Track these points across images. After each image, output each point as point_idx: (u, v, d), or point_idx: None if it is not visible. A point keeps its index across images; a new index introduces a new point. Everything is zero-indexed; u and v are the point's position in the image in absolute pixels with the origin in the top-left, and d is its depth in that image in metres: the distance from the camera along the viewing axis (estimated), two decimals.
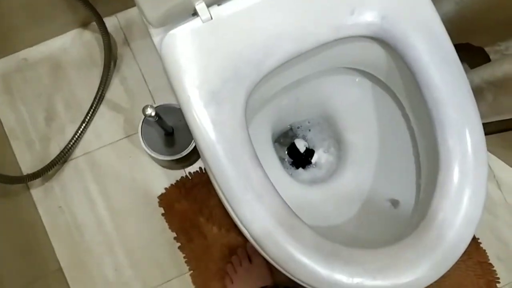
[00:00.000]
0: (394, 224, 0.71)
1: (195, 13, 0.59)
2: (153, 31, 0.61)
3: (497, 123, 0.94)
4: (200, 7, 0.58)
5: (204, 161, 0.60)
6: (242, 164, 0.58)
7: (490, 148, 1.02)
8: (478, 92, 0.77)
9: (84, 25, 0.98)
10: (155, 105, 0.84)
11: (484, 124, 0.98)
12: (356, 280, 0.56)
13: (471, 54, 0.90)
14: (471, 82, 0.79)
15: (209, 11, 0.58)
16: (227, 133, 0.58)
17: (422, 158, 0.69)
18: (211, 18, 0.58)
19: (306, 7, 0.60)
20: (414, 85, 0.63)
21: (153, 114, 0.60)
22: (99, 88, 0.96)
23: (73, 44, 0.99)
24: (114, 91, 0.99)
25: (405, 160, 0.73)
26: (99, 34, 0.93)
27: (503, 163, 1.03)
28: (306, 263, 0.56)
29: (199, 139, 0.58)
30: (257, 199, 0.57)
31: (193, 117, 0.58)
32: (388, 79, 0.71)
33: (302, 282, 0.57)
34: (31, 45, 0.97)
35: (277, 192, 0.59)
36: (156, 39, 0.61)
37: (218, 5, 0.59)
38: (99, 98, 0.96)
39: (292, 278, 0.58)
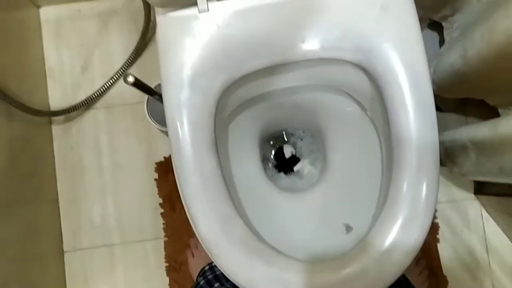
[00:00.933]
0: (341, 249, 0.73)
1: (196, 3, 0.64)
2: (157, 9, 0.67)
3: (501, 186, 0.91)
4: None
5: (169, 135, 0.65)
6: (198, 147, 0.63)
7: (490, 210, 0.99)
8: (463, 149, 0.76)
9: None
10: None
11: (486, 184, 0.96)
12: (267, 283, 0.59)
13: (489, 112, 0.88)
14: (459, 138, 0.78)
15: (207, 3, 0.63)
16: (193, 117, 0.63)
17: (381, 196, 0.70)
18: (208, 10, 0.63)
19: (300, 21, 0.63)
20: (387, 120, 0.64)
21: (132, 82, 0.66)
22: (132, 52, 1.05)
23: (123, 8, 1.08)
24: (146, 58, 1.08)
25: (371, 190, 0.73)
26: None
27: (498, 228, 0.99)
28: (228, 253, 0.60)
29: (168, 116, 0.63)
30: (202, 183, 0.62)
31: (167, 95, 0.63)
32: (370, 108, 0.72)
33: (222, 270, 0.62)
34: (87, 0, 1.08)
35: (224, 183, 0.63)
36: (158, 18, 0.67)
37: (218, 0, 0.64)
38: (130, 60, 1.05)
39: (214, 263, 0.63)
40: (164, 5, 0.64)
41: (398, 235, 0.60)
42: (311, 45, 0.63)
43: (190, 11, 0.64)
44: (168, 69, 0.64)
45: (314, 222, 0.78)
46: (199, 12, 0.63)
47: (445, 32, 0.91)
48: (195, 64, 0.63)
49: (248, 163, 0.83)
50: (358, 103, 0.75)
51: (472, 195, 1.01)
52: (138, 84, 0.68)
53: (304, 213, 0.80)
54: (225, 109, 0.72)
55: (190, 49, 0.63)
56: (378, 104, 0.68)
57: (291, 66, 0.66)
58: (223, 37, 0.63)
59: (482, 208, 1.00)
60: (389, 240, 0.59)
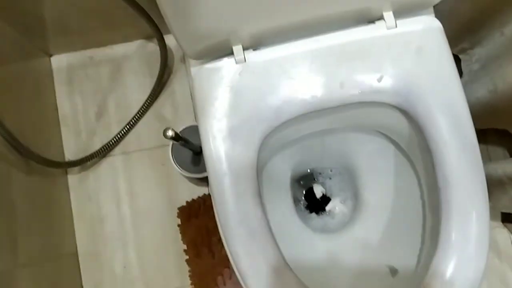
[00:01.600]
0: None
1: (231, 53, 0.63)
2: (191, 61, 0.66)
3: None
4: (237, 48, 0.63)
5: (210, 189, 0.64)
6: (243, 200, 0.61)
7: None
8: (500, 185, 0.76)
9: (149, 37, 1.07)
10: (187, 125, 0.90)
11: None
12: None
13: (507, 141, 0.88)
14: (494, 173, 0.78)
15: (244, 53, 0.63)
16: (236, 168, 0.62)
17: (427, 235, 0.69)
18: (245, 61, 0.63)
19: (336, 67, 0.63)
20: (430, 161, 0.63)
21: (172, 135, 0.65)
22: (148, 97, 1.04)
23: (136, 53, 1.07)
24: (162, 102, 1.06)
25: (413, 230, 0.72)
26: None
27: None
28: None
29: (210, 168, 0.62)
30: (250, 236, 0.60)
31: (209, 146, 0.62)
32: (408, 148, 0.71)
33: None
34: (99, 46, 1.07)
35: (272, 233, 0.61)
36: (192, 69, 0.66)
37: (254, 49, 0.64)
38: (146, 105, 1.04)
39: None
40: (200, 57, 0.64)
41: (455, 278, 0.58)
42: (349, 90, 0.63)
43: (227, 62, 0.63)
44: (206, 121, 0.62)
45: (355, 266, 0.77)
46: (236, 62, 0.63)
47: (463, 65, 0.92)
48: (234, 115, 0.62)
49: (281, 207, 0.82)
50: (394, 143, 0.75)
51: (500, 223, 1.00)
52: (176, 137, 0.67)
53: (343, 256, 0.79)
54: (261, 156, 0.70)
55: (228, 100, 0.62)
56: (417, 144, 0.67)
57: (328, 110, 0.65)
58: (261, 86, 0.63)
59: (511, 236, 0.99)
60: (446, 284, 0.58)
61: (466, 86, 0.86)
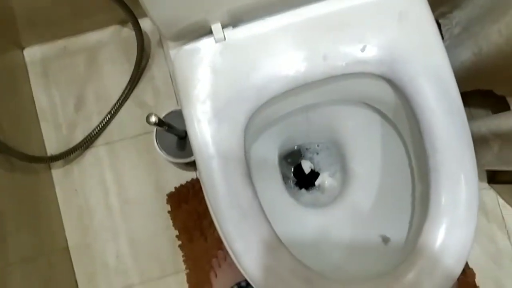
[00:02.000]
0: (381, 261, 0.72)
1: (210, 32, 0.62)
2: (169, 44, 0.64)
3: None
4: (215, 27, 0.61)
5: (199, 173, 0.63)
6: (232, 181, 0.60)
7: (506, 197, 1.00)
8: (483, 141, 0.76)
9: (123, 22, 1.04)
10: (170, 110, 0.89)
11: (498, 172, 0.97)
12: None
13: (494, 101, 0.89)
14: (478, 131, 0.78)
15: (223, 32, 0.61)
16: (223, 150, 0.61)
17: (417, 201, 0.69)
18: (224, 39, 0.61)
19: (319, 39, 0.62)
20: (417, 128, 0.63)
21: (155, 121, 0.63)
22: (128, 84, 1.01)
23: (111, 40, 1.04)
24: (142, 88, 1.04)
25: (402, 198, 0.73)
26: None
27: None
28: (279, 284, 0.58)
29: (196, 151, 0.61)
30: (242, 216, 0.60)
31: (194, 130, 0.61)
32: (395, 117, 0.71)
33: None
34: (72, 35, 1.04)
35: (263, 212, 0.61)
36: (171, 52, 0.64)
37: (233, 27, 0.62)
38: (126, 93, 1.02)
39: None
40: (179, 39, 0.62)
41: (446, 242, 0.59)
42: (333, 62, 0.62)
43: (206, 41, 0.61)
44: (190, 105, 0.61)
45: (348, 237, 0.77)
46: (216, 41, 0.61)
47: (443, 29, 0.91)
48: (217, 96, 0.61)
49: (271, 185, 0.81)
50: (380, 113, 0.74)
51: (486, 185, 1.02)
52: (160, 123, 0.65)
53: (335, 230, 0.79)
54: (248, 135, 0.69)
55: (210, 81, 0.61)
56: (403, 112, 0.67)
57: (312, 84, 0.64)
58: (242, 64, 0.61)
59: (498, 196, 1.01)
60: (438, 248, 0.58)
61: (448, 51, 0.86)
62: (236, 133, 0.61)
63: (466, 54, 0.77)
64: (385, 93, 0.67)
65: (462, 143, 0.61)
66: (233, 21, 0.62)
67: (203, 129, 0.61)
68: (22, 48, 1.04)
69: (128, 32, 1.04)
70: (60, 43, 1.04)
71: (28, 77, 1.03)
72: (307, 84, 0.63)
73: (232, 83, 0.61)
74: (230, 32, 0.62)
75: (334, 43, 0.62)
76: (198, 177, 0.67)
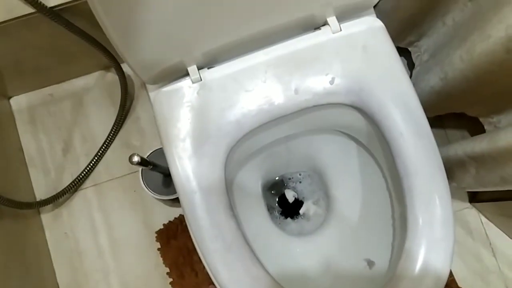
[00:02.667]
0: (367, 285, 0.73)
1: (187, 74, 0.65)
2: (149, 86, 0.67)
3: (493, 191, 0.95)
4: (191, 69, 0.64)
5: (182, 209, 0.65)
6: (215, 214, 0.62)
7: (488, 215, 1.03)
8: (461, 165, 0.79)
9: (107, 67, 1.08)
10: (155, 149, 0.91)
11: (479, 191, 1.00)
12: None
13: (469, 122, 0.92)
14: (455, 154, 0.81)
15: (199, 73, 0.64)
16: (204, 185, 0.63)
17: (396, 223, 0.71)
18: (201, 80, 0.65)
19: (289, 74, 0.65)
20: (389, 153, 0.66)
21: (138, 161, 0.66)
22: (113, 126, 1.04)
23: (96, 84, 1.08)
24: (128, 129, 1.07)
25: (383, 221, 0.75)
26: None
27: (499, 230, 1.02)
28: None
29: (179, 188, 0.63)
30: (226, 249, 0.61)
31: (176, 167, 0.63)
32: (369, 143, 0.74)
33: None
34: (58, 82, 1.07)
35: (248, 244, 0.63)
36: (151, 94, 0.67)
37: (208, 68, 0.66)
38: (112, 134, 1.04)
39: None
40: (157, 82, 0.65)
41: (426, 262, 0.61)
42: (304, 95, 0.65)
43: (183, 83, 0.65)
44: (171, 143, 0.64)
45: (334, 264, 0.78)
46: (193, 82, 0.65)
47: (413, 56, 0.96)
48: (197, 133, 0.64)
49: (256, 217, 0.83)
50: (355, 140, 0.77)
51: (468, 204, 1.04)
52: (143, 162, 0.67)
53: (321, 257, 0.80)
54: (229, 169, 0.72)
55: (189, 119, 0.64)
56: (376, 138, 0.70)
57: (287, 117, 0.67)
58: (219, 102, 0.65)
59: (481, 215, 1.03)
60: (419, 269, 0.60)
61: (419, 77, 0.91)
62: (216, 168, 0.64)
63: (434, 80, 0.81)
64: (357, 121, 0.70)
65: (432, 164, 0.64)
66: (208, 62, 0.65)
67: (184, 166, 0.63)
68: (9, 98, 1.07)
69: (112, 76, 1.07)
70: (46, 91, 1.07)
71: (15, 125, 1.06)
72: (282, 117, 0.66)
73: (210, 120, 0.64)
74: (206, 73, 0.65)
75: (304, 77, 0.65)
76: (182, 212, 0.68)
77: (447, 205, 0.63)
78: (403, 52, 1.01)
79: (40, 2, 0.72)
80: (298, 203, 0.90)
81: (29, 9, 0.74)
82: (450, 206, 0.63)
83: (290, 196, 0.90)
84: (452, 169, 0.85)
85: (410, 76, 0.97)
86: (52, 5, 0.75)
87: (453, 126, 1.05)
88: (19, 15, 0.75)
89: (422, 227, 0.62)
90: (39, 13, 0.74)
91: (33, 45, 0.89)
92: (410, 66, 1.01)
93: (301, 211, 0.89)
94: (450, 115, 0.95)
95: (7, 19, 0.76)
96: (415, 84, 0.89)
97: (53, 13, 0.75)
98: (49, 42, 0.89)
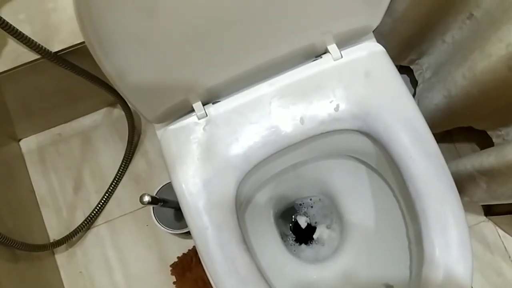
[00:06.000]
0: None
1: (192, 110, 0.66)
2: (156, 126, 0.68)
3: (509, 203, 0.93)
4: (197, 105, 0.65)
5: (195, 244, 0.64)
6: (229, 248, 0.62)
7: (505, 228, 1.01)
8: (471, 179, 0.78)
9: (113, 104, 1.09)
10: (164, 183, 0.92)
11: (495, 205, 0.99)
12: None
13: (478, 135, 0.92)
14: (464, 169, 0.81)
15: (204, 109, 0.65)
16: (216, 220, 0.63)
17: (412, 244, 0.71)
18: (206, 115, 0.65)
19: (294, 104, 0.66)
20: (400, 175, 0.65)
21: (149, 201, 0.66)
22: (122, 161, 1.05)
23: (103, 121, 1.09)
24: (137, 163, 1.08)
25: (399, 243, 0.74)
26: None
27: None
28: None
29: (190, 223, 0.63)
30: (241, 283, 0.61)
31: (186, 203, 0.63)
32: (378, 166, 0.74)
33: None
34: (66, 122, 1.09)
35: (263, 276, 0.62)
36: (158, 132, 0.68)
37: (213, 103, 0.66)
38: (121, 170, 1.05)
39: None
40: (163, 121, 0.66)
41: (446, 283, 0.60)
42: (310, 124, 0.66)
43: (189, 119, 0.65)
44: (180, 180, 0.64)
45: None
46: (198, 118, 0.65)
47: (415, 74, 0.96)
48: (205, 168, 0.64)
49: (270, 245, 0.83)
50: (364, 163, 0.77)
51: (484, 217, 1.03)
52: (153, 201, 0.68)
53: (339, 283, 0.79)
54: (240, 201, 0.72)
55: (197, 155, 0.64)
56: (385, 161, 0.70)
57: (295, 146, 0.67)
58: (226, 136, 0.65)
59: (497, 228, 1.02)
60: None
61: (423, 94, 0.91)
62: (227, 202, 0.64)
63: (438, 97, 0.81)
64: (365, 145, 0.70)
65: (444, 184, 0.63)
66: (213, 98, 0.66)
67: (195, 201, 0.63)
68: (18, 140, 1.08)
69: (118, 112, 1.09)
70: (55, 130, 1.09)
71: (26, 167, 1.07)
72: (289, 146, 0.67)
73: (217, 155, 0.64)
74: (211, 108, 0.66)
75: (308, 106, 0.66)
76: (195, 246, 0.68)
77: (462, 225, 0.62)
78: (406, 69, 1.01)
79: (45, 48, 0.74)
80: (311, 228, 0.89)
81: (34, 56, 0.76)
82: (465, 225, 0.62)
83: (303, 221, 0.89)
84: (463, 184, 0.85)
85: (414, 94, 0.97)
86: (56, 50, 0.76)
87: (462, 139, 1.05)
88: (25, 61, 0.77)
89: (439, 250, 0.61)
90: (45, 59, 0.76)
91: (40, 88, 0.90)
92: (413, 83, 1.02)
93: (314, 236, 0.88)
94: (459, 128, 0.95)
95: (14, 66, 0.77)
96: (419, 102, 0.90)
97: (58, 57, 0.76)
98: (55, 84, 0.90)
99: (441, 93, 0.80)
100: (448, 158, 1.04)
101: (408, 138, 0.64)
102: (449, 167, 0.86)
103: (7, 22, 0.67)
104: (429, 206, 0.62)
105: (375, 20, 0.67)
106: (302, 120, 0.65)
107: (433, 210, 0.62)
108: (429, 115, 0.87)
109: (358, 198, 0.82)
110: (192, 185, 0.63)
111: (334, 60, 0.67)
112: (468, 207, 1.02)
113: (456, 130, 0.98)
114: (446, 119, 0.86)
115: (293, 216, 0.91)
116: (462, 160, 0.84)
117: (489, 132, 0.87)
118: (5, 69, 0.77)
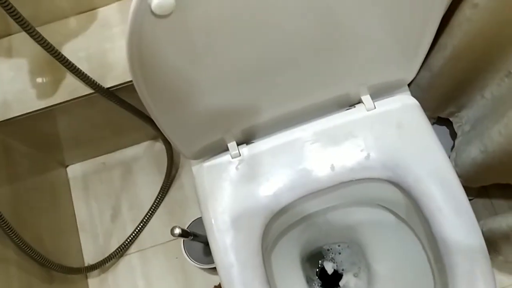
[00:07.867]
0: None
1: (227, 149, 0.69)
2: (191, 161, 0.71)
3: None
4: (231, 145, 0.68)
5: (220, 280, 0.66)
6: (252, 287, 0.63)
7: None
8: (506, 238, 0.76)
9: (155, 138, 1.15)
10: (196, 218, 0.95)
11: None
12: None
13: (510, 193, 0.90)
14: (499, 227, 0.79)
15: (238, 148, 0.68)
16: (241, 258, 0.64)
17: None
18: (240, 155, 0.68)
19: (325, 150, 0.68)
20: (429, 228, 0.65)
21: (179, 233, 0.68)
22: (158, 193, 1.09)
23: (144, 153, 1.15)
24: (172, 196, 1.11)
25: None
26: None
27: None
28: None
29: (217, 259, 0.65)
30: None
31: (214, 239, 0.65)
32: (407, 217, 0.74)
33: None
34: (110, 152, 1.15)
35: None
36: (193, 168, 0.71)
37: (247, 144, 0.69)
38: (157, 202, 1.09)
39: None
40: (198, 157, 0.69)
41: None
42: (340, 170, 0.67)
43: (224, 158, 0.68)
44: (210, 215, 0.66)
45: None
46: (232, 157, 0.68)
47: (455, 126, 0.96)
48: (235, 206, 0.66)
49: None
50: (393, 213, 0.77)
51: None
52: (184, 233, 0.70)
53: None
54: (266, 241, 0.73)
55: (228, 193, 0.67)
56: (414, 212, 0.69)
57: (324, 191, 0.69)
58: (257, 177, 0.67)
59: None
60: None
61: (461, 147, 0.90)
62: (253, 241, 0.65)
63: (475, 152, 0.81)
64: (394, 195, 0.70)
65: (474, 243, 0.63)
66: (247, 139, 0.69)
67: (223, 238, 0.65)
68: (66, 166, 1.15)
69: (159, 146, 1.14)
70: (100, 159, 1.15)
71: (70, 192, 1.13)
72: (319, 190, 0.68)
73: (248, 194, 0.67)
74: (245, 149, 0.69)
75: (340, 153, 0.67)
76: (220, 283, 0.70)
77: (491, 285, 0.61)
78: (446, 121, 1.01)
79: (99, 84, 0.80)
80: (338, 275, 0.88)
81: (89, 90, 0.82)
82: (493, 283, 0.61)
83: (330, 267, 0.89)
84: (498, 242, 0.82)
85: (453, 146, 0.96)
86: (108, 85, 0.83)
87: (499, 196, 1.02)
88: (80, 95, 0.83)
89: None
90: (97, 93, 0.82)
91: (90, 120, 0.97)
92: (453, 135, 1.01)
93: (341, 283, 0.88)
94: (497, 184, 0.93)
95: (70, 98, 0.84)
96: (457, 155, 0.89)
97: (109, 93, 0.82)
98: (104, 117, 0.97)
99: (478, 148, 0.80)
100: (484, 214, 1.03)
101: (438, 191, 0.65)
102: (485, 224, 0.85)
103: (67, 59, 0.74)
104: (458, 263, 0.62)
105: (410, 74, 0.69)
106: (332, 167, 0.67)
107: (462, 267, 0.61)
108: (466, 169, 0.86)
109: (386, 248, 0.81)
110: (221, 222, 0.66)
111: (367, 111, 0.69)
112: (502, 267, 0.98)
113: (493, 186, 0.96)
114: (483, 174, 0.84)
115: (320, 261, 0.91)
116: (498, 217, 0.82)
117: None
118: (61, 100, 0.83)
